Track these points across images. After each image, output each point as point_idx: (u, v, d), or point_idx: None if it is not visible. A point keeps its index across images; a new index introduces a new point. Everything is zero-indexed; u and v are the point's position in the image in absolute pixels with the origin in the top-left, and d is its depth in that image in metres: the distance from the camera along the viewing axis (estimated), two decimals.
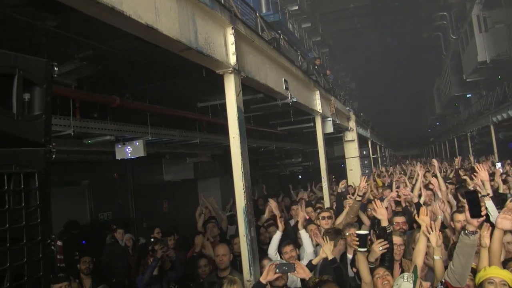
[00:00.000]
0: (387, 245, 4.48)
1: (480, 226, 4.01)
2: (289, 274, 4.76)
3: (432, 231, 4.31)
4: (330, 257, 5.14)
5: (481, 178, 6.18)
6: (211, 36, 5.23)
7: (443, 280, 4.01)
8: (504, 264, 4.14)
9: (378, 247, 4.44)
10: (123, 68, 6.60)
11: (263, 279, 4.44)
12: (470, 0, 25.62)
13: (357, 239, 4.31)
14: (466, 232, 3.83)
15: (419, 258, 4.35)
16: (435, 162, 9.69)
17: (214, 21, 5.42)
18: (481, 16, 24.25)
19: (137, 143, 8.15)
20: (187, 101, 8.86)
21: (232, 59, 5.70)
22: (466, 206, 4.00)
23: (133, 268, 8.33)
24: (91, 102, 6.85)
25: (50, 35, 4.70)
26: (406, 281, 3.73)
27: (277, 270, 4.41)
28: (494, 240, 4.05)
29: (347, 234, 5.69)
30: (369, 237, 4.56)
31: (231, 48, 5.72)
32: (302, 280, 4.96)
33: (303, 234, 6.00)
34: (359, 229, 5.86)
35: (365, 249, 4.34)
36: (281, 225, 6.03)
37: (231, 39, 5.73)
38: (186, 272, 6.53)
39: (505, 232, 4.30)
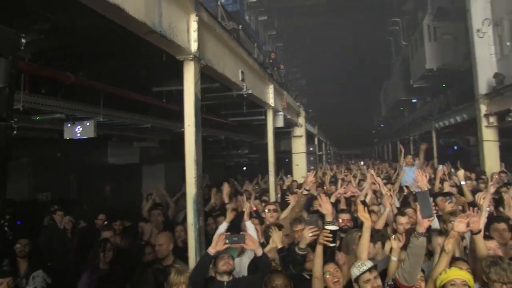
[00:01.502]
0: (317, 232, 4.46)
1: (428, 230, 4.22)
2: (236, 264, 4.80)
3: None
4: (279, 246, 5.22)
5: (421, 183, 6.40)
6: (175, 21, 5.14)
7: (393, 277, 4.16)
8: (451, 264, 4.31)
9: (308, 233, 4.44)
10: (80, 45, 6.37)
11: (212, 249, 4.43)
12: (422, 9, 26.38)
13: (331, 235, 4.34)
14: (416, 234, 3.98)
15: (363, 254, 4.46)
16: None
17: (179, 6, 5.33)
18: (432, 26, 25.03)
19: (88, 124, 7.86)
20: (142, 85, 8.65)
21: (194, 46, 5.64)
22: (418, 206, 4.14)
23: (71, 252, 8.01)
24: (44, 77, 6.56)
25: (4, 4, 4.47)
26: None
27: (227, 241, 4.42)
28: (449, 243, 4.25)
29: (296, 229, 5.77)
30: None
31: (194, 35, 5.66)
32: (249, 268, 5.02)
33: (249, 225, 6.01)
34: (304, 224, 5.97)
35: (334, 245, 4.41)
36: (229, 216, 5.98)
37: (194, 26, 5.66)
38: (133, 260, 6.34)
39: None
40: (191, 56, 5.58)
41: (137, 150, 13.45)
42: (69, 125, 7.99)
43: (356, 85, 61.02)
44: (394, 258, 4.42)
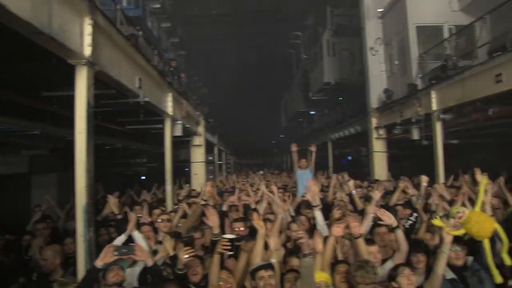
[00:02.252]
0: (193, 253, 4.54)
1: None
2: (128, 275, 4.68)
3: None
4: (171, 253, 5.18)
5: (312, 191, 6.66)
6: (67, 23, 4.94)
7: None
8: (333, 266, 4.58)
9: (183, 255, 4.50)
10: None
11: (100, 261, 4.26)
12: (323, 25, 27.52)
13: (229, 243, 4.36)
14: (301, 254, 4.12)
15: (256, 259, 4.55)
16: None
17: (72, 8, 5.13)
18: (331, 41, 26.23)
19: None
20: (31, 89, 8.12)
21: (87, 51, 5.46)
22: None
23: None
24: None
25: None
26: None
27: (116, 253, 4.28)
28: (327, 246, 4.46)
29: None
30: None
31: (87, 39, 5.47)
32: (140, 279, 4.92)
33: (137, 235, 5.87)
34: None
35: (232, 253, 4.43)
36: (130, 227, 5.70)
37: (88, 29, 5.47)
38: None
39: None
40: (84, 60, 5.38)
41: (25, 158, 12.58)
42: None
43: (258, 96, 62.12)
44: (273, 260, 4.62)
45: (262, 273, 4.23)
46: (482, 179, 4.98)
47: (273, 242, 4.67)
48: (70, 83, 5.62)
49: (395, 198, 8.13)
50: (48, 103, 8.74)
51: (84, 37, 5.44)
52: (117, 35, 6.91)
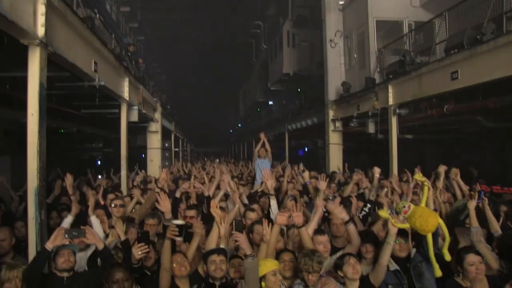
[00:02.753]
0: (147, 250, 4.53)
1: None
2: (80, 258, 4.68)
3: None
4: (123, 238, 5.20)
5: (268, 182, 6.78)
6: (18, 2, 4.84)
7: None
8: (278, 254, 4.68)
9: (138, 252, 4.46)
10: None
11: (50, 244, 4.24)
12: (284, 16, 27.54)
13: (177, 229, 4.40)
14: (246, 255, 4.18)
15: (210, 245, 4.65)
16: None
17: None
18: (291, 32, 26.30)
19: None
20: None
21: (41, 31, 5.37)
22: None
23: None
24: None
25: None
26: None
27: (66, 236, 4.28)
28: (272, 234, 4.57)
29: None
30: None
31: (41, 19, 5.37)
32: (89, 262, 4.93)
33: (94, 219, 5.85)
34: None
35: (180, 238, 4.48)
36: (74, 209, 5.74)
37: (41, 9, 5.38)
38: None
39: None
40: (37, 41, 5.29)
41: None
42: None
43: (216, 84, 61.95)
44: (222, 246, 4.79)
45: (214, 257, 4.36)
46: (419, 175, 5.08)
47: (223, 229, 4.78)
48: (23, 64, 5.53)
49: (348, 190, 8.33)
50: (1, 85, 8.52)
51: (37, 17, 5.34)
52: (73, 17, 6.81)
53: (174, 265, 4.42)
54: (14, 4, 4.72)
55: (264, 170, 7.19)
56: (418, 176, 4.99)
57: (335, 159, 17.00)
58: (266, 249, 4.53)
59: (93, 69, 7.97)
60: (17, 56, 6.45)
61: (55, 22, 6.00)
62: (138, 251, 4.43)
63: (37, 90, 5.31)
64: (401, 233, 4.79)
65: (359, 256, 4.74)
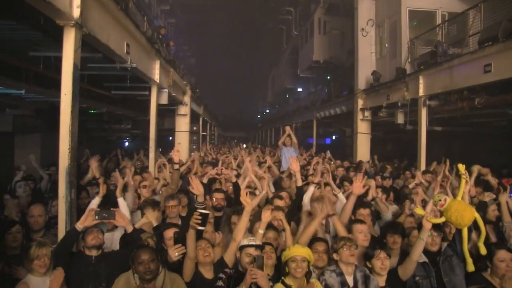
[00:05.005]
0: (184, 251, 4.45)
1: None
2: (107, 239, 4.74)
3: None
4: (155, 224, 5.26)
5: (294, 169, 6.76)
6: None
7: None
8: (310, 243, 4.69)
9: (174, 253, 4.40)
10: None
11: (80, 224, 4.33)
12: (315, 2, 27.25)
13: (200, 217, 4.36)
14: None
15: (239, 235, 4.59)
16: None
17: None
18: (322, 19, 26.00)
19: None
20: (16, 47, 8.01)
21: (76, 12, 5.40)
22: None
23: None
24: None
25: None
26: None
27: (96, 217, 4.35)
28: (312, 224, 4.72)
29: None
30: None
31: (76, 0, 5.40)
32: (121, 244, 4.99)
33: (121, 201, 5.89)
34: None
35: (203, 228, 4.49)
36: (102, 190, 5.75)
37: None
38: None
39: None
40: (72, 22, 5.33)
41: (9, 117, 12.41)
42: None
43: (245, 69, 61.83)
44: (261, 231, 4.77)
45: (251, 251, 4.32)
46: (462, 166, 4.98)
47: (266, 215, 4.76)
48: (57, 44, 5.58)
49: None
50: (35, 64, 8.65)
51: None
52: None
53: (199, 250, 4.43)
54: None
55: (291, 158, 7.13)
56: (461, 167, 4.89)
57: (363, 149, 16.88)
58: (291, 238, 4.64)
59: (125, 51, 8.02)
60: (52, 35, 6.54)
61: (90, 3, 6.02)
62: (175, 253, 4.39)
63: (71, 70, 5.36)
64: (434, 226, 4.73)
65: (384, 246, 4.68)
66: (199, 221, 4.35)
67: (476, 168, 7.70)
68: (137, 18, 10.50)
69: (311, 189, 6.44)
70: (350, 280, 4.23)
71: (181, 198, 6.33)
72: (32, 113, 12.79)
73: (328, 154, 14.38)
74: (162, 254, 4.45)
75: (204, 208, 4.77)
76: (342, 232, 4.83)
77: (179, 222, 5.71)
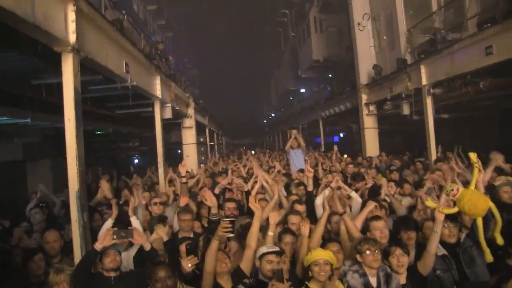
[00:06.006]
0: (197, 262, 4.47)
1: None
2: (123, 258, 4.76)
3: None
4: (165, 239, 5.27)
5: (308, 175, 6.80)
6: (50, 11, 4.93)
7: None
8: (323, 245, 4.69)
9: (188, 264, 4.41)
10: None
11: (99, 244, 4.36)
12: (309, 2, 27.27)
13: (231, 225, 4.35)
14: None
15: (253, 242, 4.59)
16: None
17: None
18: (318, 18, 26.03)
19: None
20: (18, 77, 8.09)
21: (72, 38, 5.45)
22: None
23: None
24: None
25: None
26: None
27: (115, 236, 4.37)
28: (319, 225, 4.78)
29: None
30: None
31: (72, 26, 5.46)
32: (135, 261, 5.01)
33: (134, 220, 5.92)
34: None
35: (233, 235, 4.49)
36: (114, 212, 5.76)
37: (72, 16, 5.46)
38: None
39: None
40: (70, 47, 5.39)
41: (19, 146, 12.54)
42: None
43: (247, 75, 61.97)
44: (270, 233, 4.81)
45: (272, 257, 4.28)
46: (474, 155, 4.90)
47: (273, 217, 4.82)
48: (57, 71, 5.63)
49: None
50: (37, 91, 8.73)
51: (68, 24, 5.43)
52: (102, 21, 6.89)
53: (216, 262, 4.41)
54: (46, 13, 4.81)
55: (306, 165, 7.18)
56: (473, 156, 4.83)
57: (371, 143, 16.84)
58: (306, 244, 4.66)
59: (124, 70, 8.08)
60: (51, 62, 6.59)
61: (86, 27, 6.09)
62: (188, 264, 4.40)
63: (72, 95, 5.40)
64: (450, 217, 4.69)
65: (400, 242, 4.65)
66: (230, 229, 4.35)
67: (494, 156, 7.59)
68: (133, 36, 10.56)
69: (325, 192, 6.44)
70: (373, 281, 4.21)
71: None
72: (40, 139, 12.89)
73: (335, 149, 14.39)
74: (178, 269, 4.45)
75: (218, 219, 4.79)
76: (353, 231, 4.82)
77: (191, 235, 5.72)
